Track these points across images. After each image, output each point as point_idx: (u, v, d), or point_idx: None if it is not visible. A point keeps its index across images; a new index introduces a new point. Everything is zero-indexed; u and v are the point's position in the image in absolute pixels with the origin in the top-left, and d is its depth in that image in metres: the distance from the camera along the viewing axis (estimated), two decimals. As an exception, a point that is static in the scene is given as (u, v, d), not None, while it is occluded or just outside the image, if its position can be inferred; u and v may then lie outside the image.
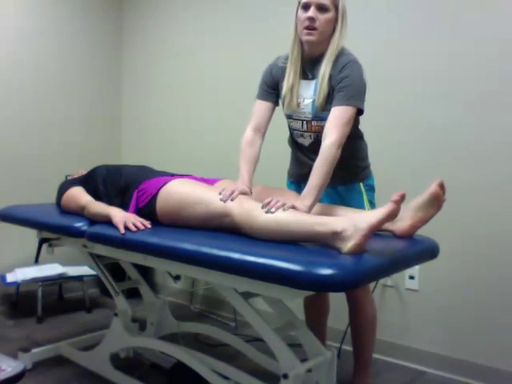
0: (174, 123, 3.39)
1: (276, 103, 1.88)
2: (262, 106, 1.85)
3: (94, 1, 3.55)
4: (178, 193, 1.62)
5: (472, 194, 2.13)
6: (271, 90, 1.85)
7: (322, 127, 1.68)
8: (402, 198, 1.27)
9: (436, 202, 1.48)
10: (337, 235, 1.27)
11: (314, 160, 1.66)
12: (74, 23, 3.44)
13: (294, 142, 1.90)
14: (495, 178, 2.08)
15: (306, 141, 1.81)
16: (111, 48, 3.69)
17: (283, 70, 1.80)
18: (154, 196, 1.68)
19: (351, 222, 1.26)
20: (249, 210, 1.42)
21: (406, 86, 2.27)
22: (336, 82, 1.66)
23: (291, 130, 1.87)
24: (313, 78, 1.75)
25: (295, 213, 1.39)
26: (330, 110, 1.65)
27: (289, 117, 1.83)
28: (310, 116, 1.74)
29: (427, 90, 2.25)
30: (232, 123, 3.03)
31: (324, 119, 1.68)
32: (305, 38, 1.69)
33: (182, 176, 1.87)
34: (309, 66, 1.76)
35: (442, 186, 1.47)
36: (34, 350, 2.19)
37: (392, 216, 1.26)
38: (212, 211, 1.52)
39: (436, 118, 2.23)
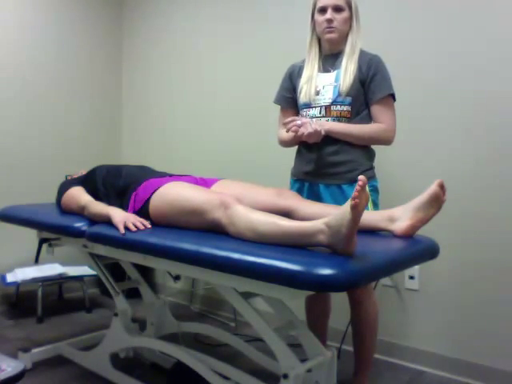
0: (173, 123, 3.40)
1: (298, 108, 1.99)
2: (286, 113, 2.01)
3: (94, 1, 3.55)
4: (169, 200, 1.62)
5: (472, 194, 2.14)
6: (292, 93, 1.99)
7: (341, 112, 1.83)
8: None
9: (436, 203, 1.47)
10: (323, 244, 1.27)
11: (323, 154, 1.83)
12: (73, 23, 3.44)
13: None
14: (496, 177, 2.08)
15: None
16: (111, 48, 3.69)
17: (301, 68, 1.96)
18: (147, 200, 1.69)
19: (331, 231, 1.23)
20: (237, 225, 1.42)
21: (406, 85, 2.27)
22: (366, 75, 1.82)
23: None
24: (334, 70, 1.88)
25: (280, 227, 1.34)
26: (352, 97, 1.81)
27: (305, 106, 1.90)
28: (330, 101, 1.84)
29: (428, 91, 2.25)
30: (232, 123, 3.03)
31: (343, 104, 1.82)
32: (327, 36, 1.85)
33: (180, 176, 1.87)
34: (329, 62, 1.90)
35: (442, 187, 1.47)
36: (34, 350, 2.19)
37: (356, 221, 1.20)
38: (202, 221, 1.53)
39: (437, 118, 2.23)
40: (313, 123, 1.76)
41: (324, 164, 1.86)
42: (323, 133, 1.77)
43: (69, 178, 2.21)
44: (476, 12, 2.11)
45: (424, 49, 2.25)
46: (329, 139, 1.82)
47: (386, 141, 1.84)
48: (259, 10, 2.87)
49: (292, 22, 2.71)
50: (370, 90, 1.83)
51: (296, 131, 1.76)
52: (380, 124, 1.83)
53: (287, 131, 1.80)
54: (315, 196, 1.91)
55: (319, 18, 1.85)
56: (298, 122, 1.76)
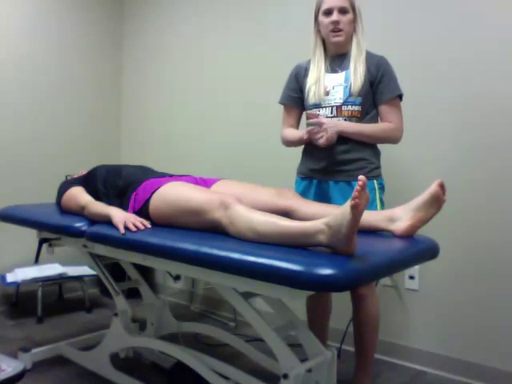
0: (173, 123, 3.39)
1: (303, 108, 2.01)
2: (291, 113, 2.04)
3: (94, 1, 3.55)
4: (169, 200, 1.62)
5: (472, 193, 2.14)
6: (298, 93, 2.00)
7: (352, 112, 1.85)
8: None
9: (436, 202, 1.48)
10: (323, 244, 1.27)
11: (334, 152, 1.85)
12: (73, 23, 3.44)
13: None
14: (495, 178, 2.08)
15: None
16: (111, 48, 3.69)
17: (307, 68, 1.97)
18: (147, 200, 1.69)
19: (331, 231, 1.23)
20: (237, 226, 1.42)
21: (406, 84, 2.27)
22: (375, 76, 1.85)
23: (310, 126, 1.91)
24: (342, 71, 1.89)
25: (280, 227, 1.33)
26: (362, 97, 1.84)
27: (315, 106, 1.91)
28: (341, 101, 1.86)
29: (429, 90, 2.25)
30: (232, 123, 3.03)
31: (354, 104, 1.85)
32: (333, 39, 1.87)
33: (180, 177, 1.87)
34: (336, 62, 1.92)
35: (442, 186, 1.47)
36: (34, 350, 2.19)
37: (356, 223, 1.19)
38: (202, 222, 1.53)
39: (436, 117, 2.23)
40: (329, 121, 1.79)
41: (335, 162, 1.89)
42: (335, 139, 1.81)
43: (69, 178, 2.21)
44: (476, 12, 2.11)
45: (424, 49, 2.25)
46: (340, 138, 1.85)
47: (395, 140, 1.89)
48: (259, 9, 2.87)
49: (292, 21, 2.71)
50: (378, 91, 1.86)
51: (317, 132, 1.79)
52: (389, 123, 1.86)
53: (308, 124, 1.82)
54: (324, 193, 1.93)
55: (324, 20, 1.86)
56: (324, 120, 1.78)
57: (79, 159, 3.47)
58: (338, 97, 1.86)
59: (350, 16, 1.85)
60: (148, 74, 3.58)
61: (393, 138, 1.88)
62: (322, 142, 1.79)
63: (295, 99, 2.01)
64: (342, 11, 1.84)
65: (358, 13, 1.88)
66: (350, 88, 1.84)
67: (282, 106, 2.07)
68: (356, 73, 1.84)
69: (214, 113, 3.13)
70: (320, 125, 1.78)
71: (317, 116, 1.80)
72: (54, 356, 2.24)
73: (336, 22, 1.83)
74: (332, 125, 1.79)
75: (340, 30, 1.85)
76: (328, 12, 1.85)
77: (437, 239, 1.61)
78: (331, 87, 1.88)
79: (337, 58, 1.92)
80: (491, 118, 2.08)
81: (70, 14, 3.42)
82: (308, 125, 1.93)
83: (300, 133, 1.92)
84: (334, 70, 1.91)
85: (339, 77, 1.88)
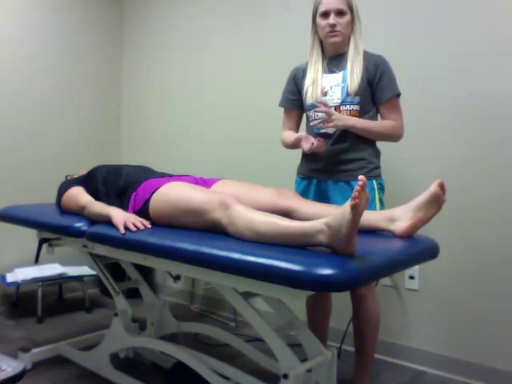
0: (173, 123, 3.39)
1: (303, 110, 2.02)
2: (291, 115, 2.05)
3: (94, 1, 3.55)
4: (169, 200, 1.62)
5: (472, 193, 2.14)
6: (297, 95, 2.00)
7: (351, 111, 1.85)
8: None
9: (436, 202, 1.48)
10: (323, 244, 1.27)
11: (334, 151, 1.86)
12: (73, 23, 3.44)
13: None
14: (495, 177, 2.08)
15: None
16: (111, 48, 3.69)
17: (305, 70, 1.97)
18: (148, 200, 1.69)
19: (331, 231, 1.23)
20: (237, 225, 1.42)
21: (406, 85, 2.27)
22: (374, 75, 1.85)
23: (313, 120, 1.92)
24: (339, 71, 1.89)
25: (280, 227, 1.33)
26: (360, 96, 1.84)
27: (313, 107, 1.91)
28: (339, 101, 1.86)
29: (428, 91, 2.25)
30: (232, 123, 3.03)
31: (352, 103, 1.85)
32: (330, 40, 1.87)
33: (180, 177, 1.87)
34: (334, 63, 1.92)
35: (442, 187, 1.47)
36: (34, 350, 2.19)
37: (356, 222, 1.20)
38: (202, 222, 1.53)
39: (435, 117, 2.23)
40: (337, 113, 1.80)
41: (334, 161, 1.89)
42: (323, 147, 1.82)
43: (69, 178, 2.21)
44: (477, 12, 2.11)
45: (424, 49, 2.25)
46: (339, 137, 1.86)
47: (398, 137, 1.90)
48: (260, 10, 2.87)
49: (292, 22, 2.71)
50: (378, 90, 1.86)
51: (325, 127, 1.81)
52: (391, 121, 1.88)
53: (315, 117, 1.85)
54: (323, 193, 1.93)
55: (322, 22, 1.86)
56: (333, 113, 1.79)
57: (79, 159, 3.47)
58: (336, 97, 1.87)
59: (347, 17, 1.85)
60: (148, 73, 3.58)
61: (396, 136, 1.89)
62: (306, 149, 1.81)
63: (294, 102, 2.01)
64: (340, 13, 1.83)
65: (355, 13, 1.88)
66: (348, 88, 1.84)
67: (283, 109, 2.07)
68: (353, 73, 1.84)
69: (214, 112, 3.13)
70: (329, 115, 1.77)
71: (327, 105, 1.79)
72: (53, 356, 2.24)
73: (333, 25, 1.83)
74: (340, 118, 1.79)
75: (337, 31, 1.85)
76: (325, 14, 1.85)
77: (437, 239, 1.61)
78: (329, 88, 1.88)
79: (334, 59, 1.92)
80: (491, 118, 2.08)
81: (70, 14, 3.42)
82: (310, 119, 1.94)
83: (295, 135, 1.91)
84: (332, 70, 1.91)
85: (337, 77, 1.88)
